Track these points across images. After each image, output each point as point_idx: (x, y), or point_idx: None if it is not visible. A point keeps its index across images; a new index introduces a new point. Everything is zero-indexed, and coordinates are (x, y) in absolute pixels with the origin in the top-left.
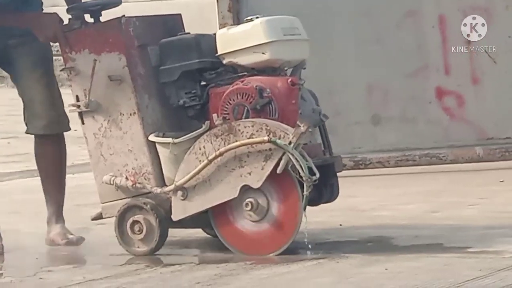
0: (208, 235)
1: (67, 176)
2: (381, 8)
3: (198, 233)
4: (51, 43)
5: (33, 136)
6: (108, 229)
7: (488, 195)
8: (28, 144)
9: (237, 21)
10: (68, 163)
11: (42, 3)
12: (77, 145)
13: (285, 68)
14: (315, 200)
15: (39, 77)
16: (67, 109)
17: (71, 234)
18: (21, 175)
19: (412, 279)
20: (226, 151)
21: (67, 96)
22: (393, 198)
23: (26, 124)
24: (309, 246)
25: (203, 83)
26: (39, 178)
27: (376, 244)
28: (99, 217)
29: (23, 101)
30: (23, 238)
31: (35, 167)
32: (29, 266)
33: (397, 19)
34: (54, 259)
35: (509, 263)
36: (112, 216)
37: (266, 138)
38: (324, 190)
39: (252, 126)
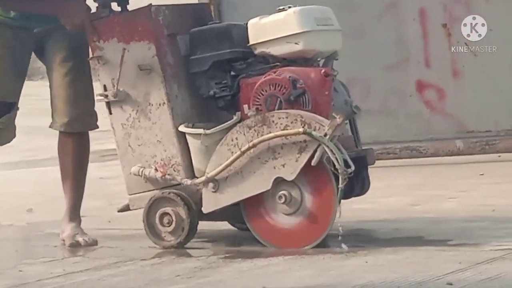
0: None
1: None
2: (361, 1)
3: None
4: None
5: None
6: (88, 222)
7: (468, 188)
8: None
9: (218, 13)
10: None
11: None
12: None
13: (318, 59)
14: (346, 193)
15: (66, 72)
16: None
17: (83, 235)
18: (2, 167)
19: (392, 272)
20: (260, 142)
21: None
22: (373, 191)
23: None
24: (341, 240)
25: (233, 73)
26: (19, 170)
27: (356, 237)
28: (126, 209)
29: (50, 95)
30: (3, 230)
31: (17, 160)
32: (9, 259)
33: (377, 12)
34: (34, 251)
35: (488, 256)
36: (139, 208)
37: (301, 129)
38: (355, 183)
39: (287, 117)
